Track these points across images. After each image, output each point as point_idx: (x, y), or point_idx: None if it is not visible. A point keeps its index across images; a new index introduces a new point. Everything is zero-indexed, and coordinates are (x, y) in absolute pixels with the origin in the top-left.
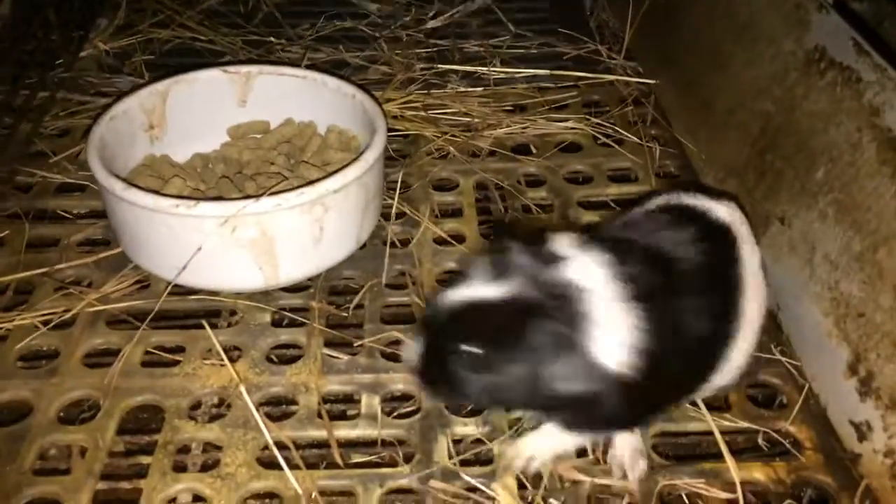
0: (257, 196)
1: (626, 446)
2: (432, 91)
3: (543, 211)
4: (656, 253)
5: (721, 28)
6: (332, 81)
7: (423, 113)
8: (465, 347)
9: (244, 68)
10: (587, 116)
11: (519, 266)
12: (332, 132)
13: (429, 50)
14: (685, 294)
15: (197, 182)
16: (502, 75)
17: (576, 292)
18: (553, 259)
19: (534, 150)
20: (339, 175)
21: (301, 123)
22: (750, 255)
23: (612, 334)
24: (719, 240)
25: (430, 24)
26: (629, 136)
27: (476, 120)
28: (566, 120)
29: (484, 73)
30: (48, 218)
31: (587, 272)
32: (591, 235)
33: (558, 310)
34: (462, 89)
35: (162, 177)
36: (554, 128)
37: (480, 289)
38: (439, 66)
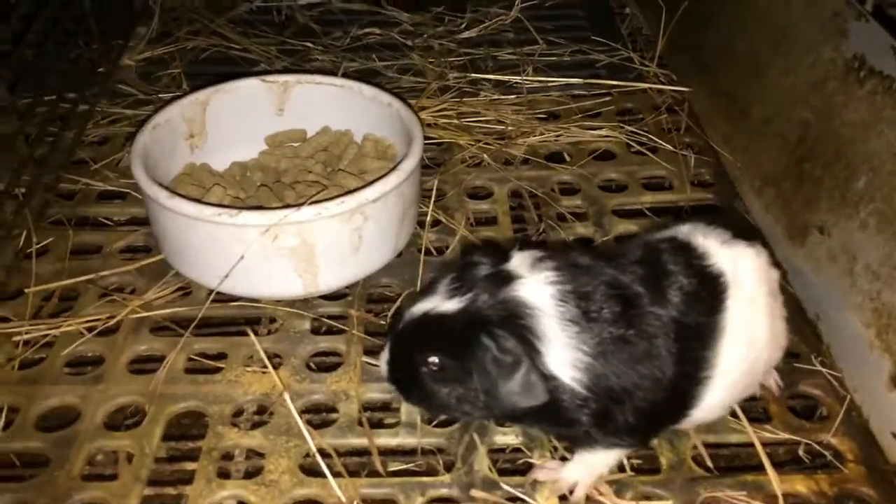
0: (298, 205)
1: (579, 469)
2: (465, 99)
3: (578, 219)
4: (616, 284)
5: (757, 36)
6: (369, 90)
7: (456, 121)
8: (424, 358)
9: (282, 77)
10: (621, 124)
11: (478, 282)
12: (368, 140)
13: (461, 58)
14: (633, 327)
15: (237, 190)
16: (535, 84)
17: (524, 309)
18: (509, 278)
19: (567, 158)
20: (378, 184)
21: (337, 132)
22: (744, 305)
23: (554, 350)
24: (701, 284)
25: (464, 34)
26: (663, 143)
27: (510, 128)
28: (600, 128)
29: (517, 82)
30: (91, 225)
31: (537, 292)
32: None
33: (505, 325)
34: (495, 97)
35: (202, 185)
36: (587, 136)
37: (441, 302)
38: (472, 74)
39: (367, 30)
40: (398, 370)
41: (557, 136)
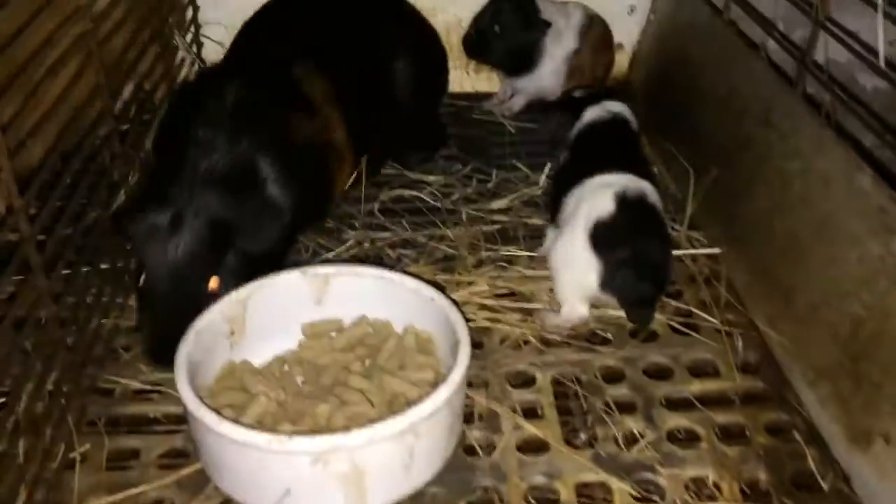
0: (348, 429)
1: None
2: (500, 274)
3: (626, 411)
4: None
5: (796, 218)
6: (411, 283)
7: (492, 300)
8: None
9: (322, 270)
10: (661, 311)
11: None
12: (409, 333)
13: (492, 226)
14: None
15: (278, 391)
16: None
17: None
18: None
19: (608, 337)
20: (429, 401)
21: (376, 321)
22: None
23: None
24: None
25: (494, 205)
26: (705, 317)
27: (547, 307)
28: None
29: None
30: (126, 425)
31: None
32: None
33: None
34: (529, 273)
35: (244, 388)
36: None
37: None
38: (505, 248)
39: (396, 192)
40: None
41: (598, 313)
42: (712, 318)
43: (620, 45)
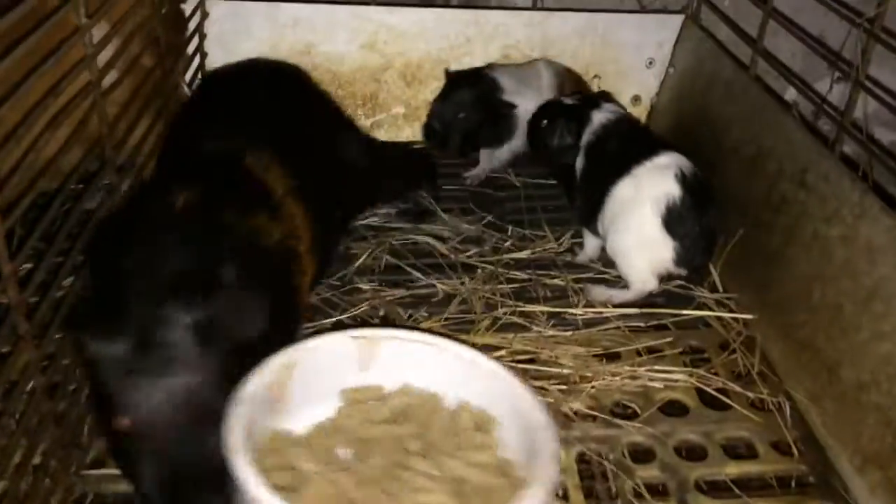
0: None
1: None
2: (518, 335)
3: (658, 495)
4: None
5: (838, 288)
6: (467, 352)
7: (513, 364)
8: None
9: (370, 333)
10: (691, 369)
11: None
12: (464, 410)
13: (509, 286)
14: None
15: (332, 467)
16: (590, 314)
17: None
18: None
19: (635, 410)
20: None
21: (421, 391)
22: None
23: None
24: None
25: (510, 256)
26: (738, 389)
27: (566, 370)
28: (666, 372)
29: (571, 314)
30: None
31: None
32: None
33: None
34: (549, 332)
35: (293, 465)
36: (654, 381)
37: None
38: (522, 305)
39: (408, 246)
40: (531, 124)
41: (622, 382)
42: (747, 392)
43: (638, 98)
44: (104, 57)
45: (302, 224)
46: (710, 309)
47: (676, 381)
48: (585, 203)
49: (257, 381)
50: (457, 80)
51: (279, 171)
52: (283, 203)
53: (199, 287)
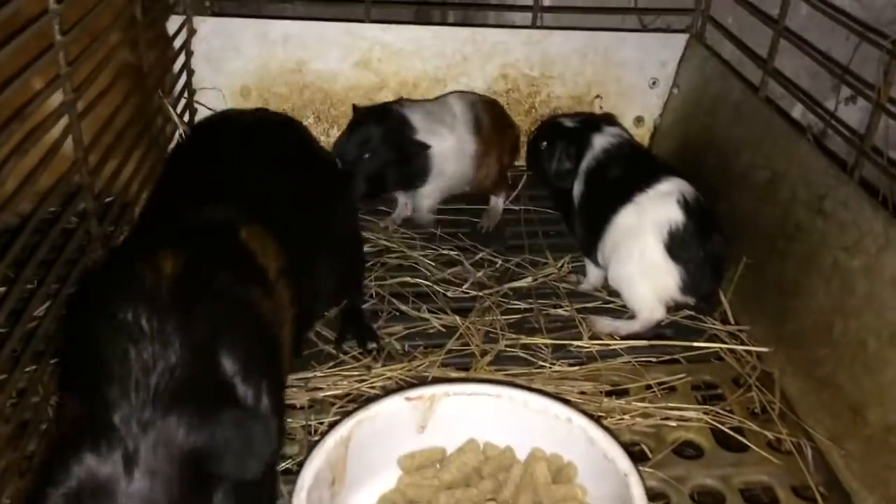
0: None
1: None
2: (521, 371)
3: None
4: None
5: (862, 323)
6: (538, 401)
7: None
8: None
9: (429, 391)
10: (706, 407)
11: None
12: (538, 461)
13: (510, 317)
14: None
15: None
16: (595, 346)
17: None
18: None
19: (647, 451)
20: None
21: (488, 445)
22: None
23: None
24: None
25: (511, 285)
26: (755, 428)
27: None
28: (678, 409)
29: (577, 347)
30: None
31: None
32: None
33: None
34: (556, 367)
35: None
36: (666, 420)
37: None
38: (525, 338)
39: (400, 278)
40: (531, 145)
41: (633, 421)
42: (765, 431)
43: (641, 119)
44: (79, 76)
45: (288, 311)
46: (722, 341)
47: (690, 419)
48: (585, 231)
49: (316, 464)
50: (363, 117)
51: (274, 249)
52: (276, 284)
53: (198, 402)
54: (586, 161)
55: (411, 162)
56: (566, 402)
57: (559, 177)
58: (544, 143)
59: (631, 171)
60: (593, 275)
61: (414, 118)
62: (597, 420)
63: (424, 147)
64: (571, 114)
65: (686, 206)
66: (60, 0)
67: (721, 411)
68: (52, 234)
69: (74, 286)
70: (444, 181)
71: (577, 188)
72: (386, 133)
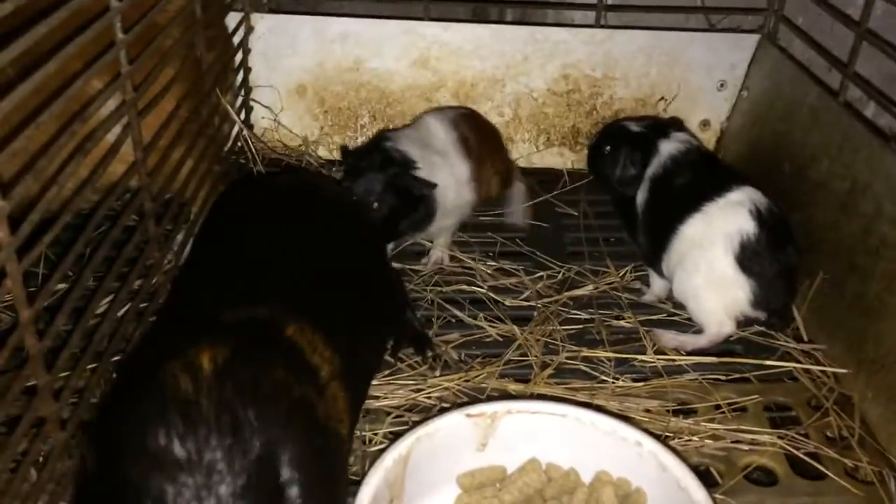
0: None
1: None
2: (582, 386)
3: None
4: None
5: None
6: (606, 423)
7: None
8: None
9: (490, 408)
10: (780, 431)
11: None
12: (605, 484)
13: (570, 328)
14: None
15: None
16: (661, 361)
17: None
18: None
19: (716, 476)
20: None
21: (551, 466)
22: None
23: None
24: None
25: (571, 294)
26: (833, 455)
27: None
28: (749, 432)
29: (641, 361)
30: None
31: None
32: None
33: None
34: (619, 383)
35: None
36: (735, 440)
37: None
38: (587, 351)
39: (455, 286)
40: (592, 149)
41: (701, 443)
42: (844, 458)
43: (707, 123)
44: (139, 76)
45: (344, 408)
46: (796, 360)
47: (763, 443)
48: (649, 240)
49: (374, 483)
50: (360, 161)
51: (325, 350)
52: (329, 386)
53: None
54: (652, 167)
55: (418, 205)
56: (630, 419)
57: (623, 183)
58: (608, 148)
59: (699, 178)
60: (657, 285)
61: (412, 153)
62: (665, 442)
63: (431, 186)
64: (637, 117)
65: (759, 216)
66: None
67: (797, 436)
68: (112, 235)
69: (132, 286)
70: (451, 216)
71: (642, 195)
72: (389, 177)
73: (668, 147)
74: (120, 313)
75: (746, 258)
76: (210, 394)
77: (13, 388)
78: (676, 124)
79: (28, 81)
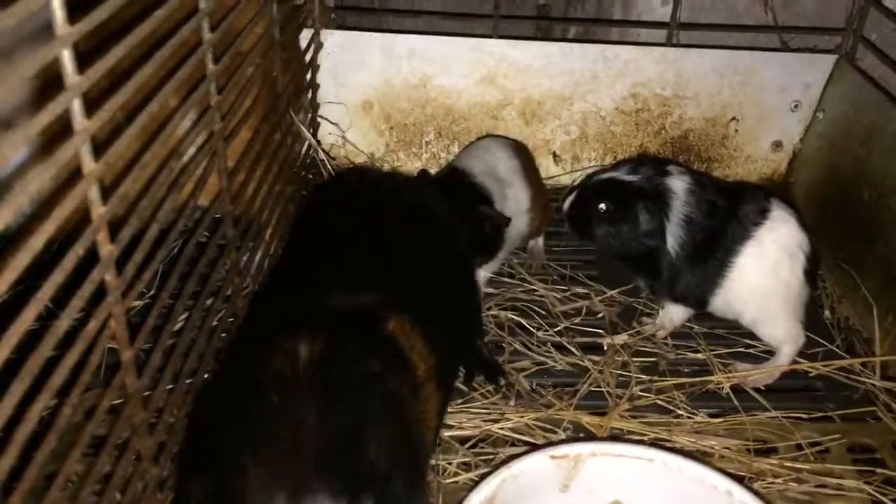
0: None
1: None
2: (657, 421)
3: None
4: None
5: None
6: (694, 468)
7: None
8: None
9: (575, 450)
10: (867, 479)
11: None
12: None
13: (642, 360)
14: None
15: None
16: (739, 398)
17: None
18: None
19: None
20: None
21: None
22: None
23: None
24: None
25: (643, 329)
26: None
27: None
28: (831, 474)
29: (715, 387)
30: None
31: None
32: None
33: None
34: (696, 419)
35: None
36: (819, 484)
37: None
38: (659, 380)
39: (529, 318)
40: (577, 210)
41: (784, 486)
42: None
43: (779, 144)
44: (225, 104)
45: (433, 415)
46: (877, 398)
47: (849, 488)
48: (692, 282)
49: None
50: (440, 192)
51: (423, 346)
52: (424, 386)
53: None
54: (675, 210)
55: (490, 239)
56: (710, 457)
57: (650, 236)
58: (603, 206)
59: (731, 206)
60: (678, 317)
61: (488, 184)
62: (751, 486)
63: (507, 221)
64: (608, 166)
65: (804, 225)
66: (213, 29)
67: (883, 486)
68: (200, 266)
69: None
70: (506, 250)
71: (672, 240)
72: (479, 216)
73: (679, 184)
74: (206, 343)
75: (812, 267)
76: (306, 379)
77: (116, 428)
78: (658, 161)
79: (134, 124)
